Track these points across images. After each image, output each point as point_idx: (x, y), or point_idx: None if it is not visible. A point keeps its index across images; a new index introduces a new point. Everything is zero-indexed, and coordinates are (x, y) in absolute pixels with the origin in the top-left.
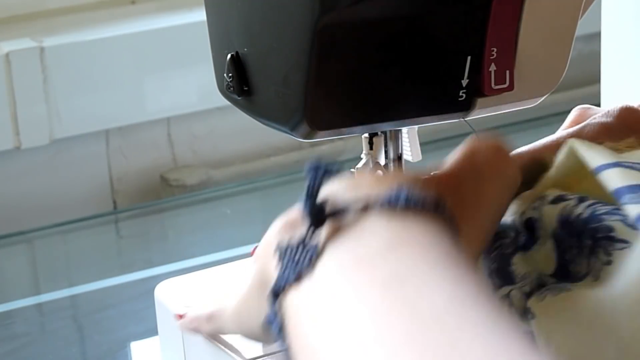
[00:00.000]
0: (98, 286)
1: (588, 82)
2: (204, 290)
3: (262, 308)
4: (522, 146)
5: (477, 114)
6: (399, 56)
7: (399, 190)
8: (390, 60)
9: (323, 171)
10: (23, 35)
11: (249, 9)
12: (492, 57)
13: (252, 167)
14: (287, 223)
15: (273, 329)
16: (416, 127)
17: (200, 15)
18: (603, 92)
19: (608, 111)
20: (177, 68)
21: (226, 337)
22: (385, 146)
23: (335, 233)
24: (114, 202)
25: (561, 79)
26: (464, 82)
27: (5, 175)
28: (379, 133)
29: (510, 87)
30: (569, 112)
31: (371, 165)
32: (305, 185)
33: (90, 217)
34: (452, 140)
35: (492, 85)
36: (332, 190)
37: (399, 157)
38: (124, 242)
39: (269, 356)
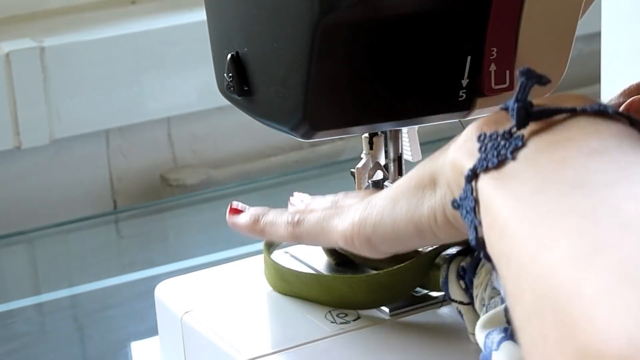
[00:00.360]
0: (98, 286)
1: (588, 82)
2: (204, 290)
3: (420, 205)
4: None
5: (477, 114)
6: (398, 56)
7: (603, 104)
8: (390, 60)
9: (534, 79)
10: (23, 35)
11: (249, 9)
12: (492, 57)
13: (252, 167)
14: (489, 120)
15: (465, 206)
16: (416, 127)
17: (200, 15)
18: (603, 92)
19: None
20: (177, 68)
21: (226, 337)
22: (385, 146)
23: (541, 129)
24: (114, 202)
25: (561, 79)
26: (464, 82)
27: (5, 175)
28: (379, 133)
29: (510, 87)
30: None
31: (371, 165)
32: (517, 94)
33: (90, 217)
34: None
35: (492, 85)
36: (538, 103)
37: (399, 157)
38: (124, 242)
39: (269, 356)
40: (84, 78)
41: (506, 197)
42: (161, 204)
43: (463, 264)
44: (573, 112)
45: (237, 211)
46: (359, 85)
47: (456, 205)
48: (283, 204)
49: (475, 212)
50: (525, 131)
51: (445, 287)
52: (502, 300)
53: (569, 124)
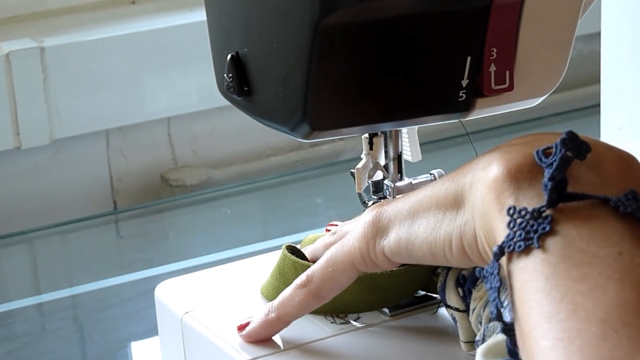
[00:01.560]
0: (98, 286)
1: (588, 82)
2: (204, 290)
3: (438, 227)
4: None
5: (477, 114)
6: (398, 57)
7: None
8: (390, 61)
9: (574, 152)
10: (23, 35)
11: (249, 9)
12: (492, 57)
13: (252, 167)
14: (520, 170)
15: (491, 281)
16: (416, 127)
17: (200, 15)
18: (603, 92)
19: None
20: (177, 68)
21: (226, 337)
22: (385, 146)
23: (571, 215)
24: (114, 202)
25: (561, 79)
26: (464, 82)
27: (5, 175)
28: (379, 133)
29: (510, 87)
30: (569, 112)
31: (371, 165)
32: (555, 157)
33: (90, 217)
34: (452, 140)
35: (492, 85)
36: (574, 172)
37: (398, 157)
38: (124, 242)
39: (269, 356)
40: (84, 78)
41: (529, 291)
42: (161, 204)
43: (464, 272)
44: (605, 201)
45: (243, 326)
46: (358, 86)
47: (482, 276)
48: (283, 204)
49: (499, 292)
50: (554, 211)
51: (442, 292)
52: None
53: (598, 219)
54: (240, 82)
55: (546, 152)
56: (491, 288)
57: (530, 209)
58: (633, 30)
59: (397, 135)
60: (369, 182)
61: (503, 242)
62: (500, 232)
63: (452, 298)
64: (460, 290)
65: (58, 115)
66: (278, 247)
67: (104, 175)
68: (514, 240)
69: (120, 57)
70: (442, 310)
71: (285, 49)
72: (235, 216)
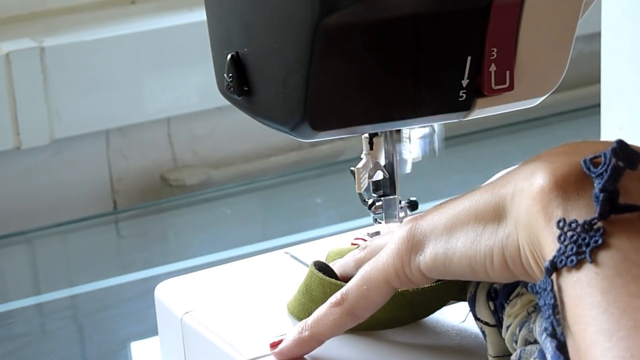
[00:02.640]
0: (98, 286)
1: (588, 82)
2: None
3: (478, 241)
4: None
5: (477, 114)
6: (398, 57)
7: None
8: (390, 61)
9: (625, 161)
10: (23, 35)
11: (249, 9)
12: (492, 57)
13: (252, 167)
14: (566, 180)
15: (544, 298)
16: (416, 127)
17: (200, 15)
18: (603, 92)
19: None
20: (177, 68)
21: (226, 337)
22: (385, 146)
23: (623, 226)
24: (114, 202)
25: (561, 79)
26: (464, 82)
27: (5, 175)
28: (379, 133)
29: (510, 87)
30: (569, 112)
31: (371, 165)
32: (605, 167)
33: (90, 217)
34: (452, 140)
35: (492, 85)
36: (623, 182)
37: (398, 158)
38: (124, 242)
39: (269, 356)
40: (84, 78)
41: (584, 307)
42: (161, 204)
43: (496, 285)
44: None
45: (276, 343)
46: (359, 86)
47: (534, 291)
48: (283, 204)
49: (554, 309)
50: (606, 223)
51: (472, 304)
52: (541, 354)
53: None
54: (240, 82)
55: (594, 162)
56: (545, 305)
57: (581, 221)
58: (633, 30)
59: (397, 135)
60: (369, 182)
61: (554, 257)
62: (549, 245)
63: (483, 312)
64: (491, 304)
65: (58, 115)
66: (278, 247)
67: (104, 175)
68: (566, 254)
69: (120, 57)
70: (442, 311)
71: (285, 49)
72: (235, 216)
